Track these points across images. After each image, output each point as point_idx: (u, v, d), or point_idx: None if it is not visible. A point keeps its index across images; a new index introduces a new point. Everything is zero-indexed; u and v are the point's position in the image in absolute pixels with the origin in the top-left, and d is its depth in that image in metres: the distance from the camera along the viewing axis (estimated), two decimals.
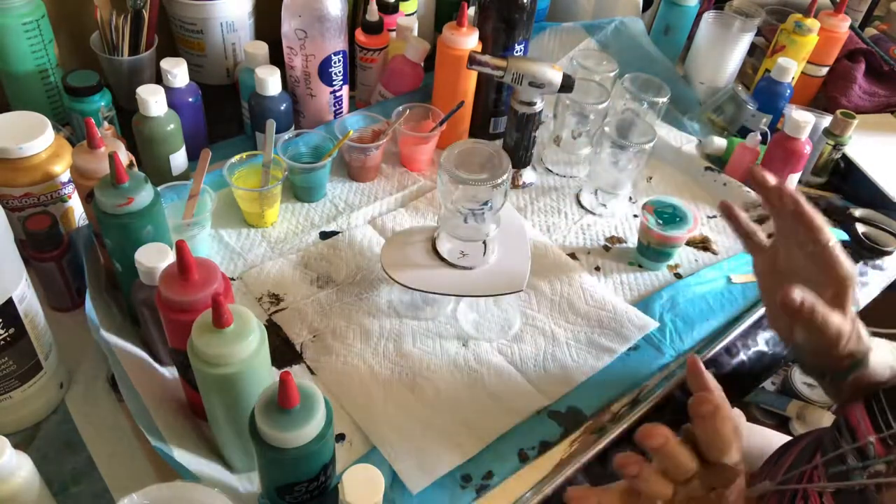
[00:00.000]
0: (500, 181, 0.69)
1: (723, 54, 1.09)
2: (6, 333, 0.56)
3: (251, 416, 0.50)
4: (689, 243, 0.91)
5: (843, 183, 1.06)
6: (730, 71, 1.12)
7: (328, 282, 0.80)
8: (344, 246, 0.84)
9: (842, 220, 0.98)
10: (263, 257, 0.82)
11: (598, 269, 0.86)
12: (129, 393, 0.59)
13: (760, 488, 0.62)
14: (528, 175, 0.97)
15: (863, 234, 0.96)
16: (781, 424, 1.46)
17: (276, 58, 0.91)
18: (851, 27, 1.11)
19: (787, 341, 0.65)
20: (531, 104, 0.88)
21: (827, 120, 1.02)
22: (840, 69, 1.14)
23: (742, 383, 0.78)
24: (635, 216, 0.94)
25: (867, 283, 0.92)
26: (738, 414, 0.93)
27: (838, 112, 0.99)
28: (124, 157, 0.70)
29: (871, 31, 1.30)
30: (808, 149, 0.93)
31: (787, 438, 0.92)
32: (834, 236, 0.60)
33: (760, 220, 0.94)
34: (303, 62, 0.89)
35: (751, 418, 1.47)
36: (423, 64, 1.01)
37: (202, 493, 0.49)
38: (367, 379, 0.70)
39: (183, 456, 0.57)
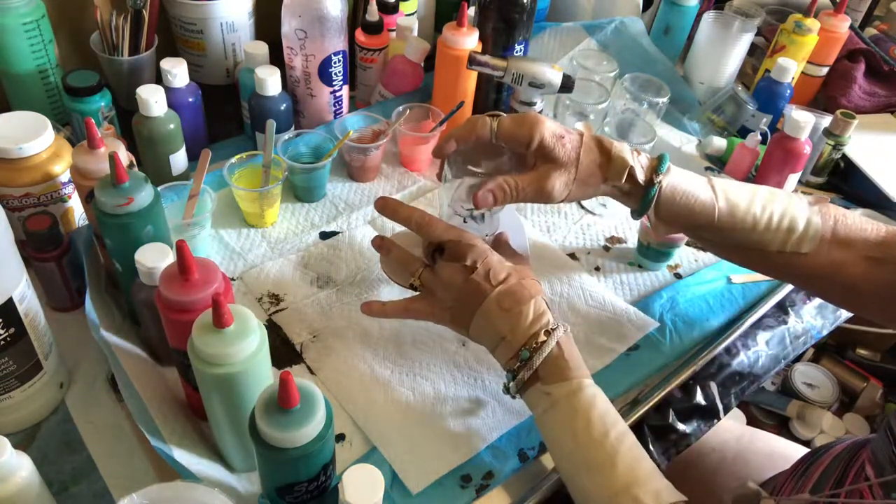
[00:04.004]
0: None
1: (723, 54, 1.09)
2: (6, 333, 0.56)
3: (251, 416, 0.50)
4: (689, 243, 0.91)
5: (843, 183, 1.06)
6: (730, 71, 1.12)
7: (328, 282, 0.80)
8: (344, 246, 0.84)
9: None
10: (263, 257, 0.82)
11: (598, 269, 0.86)
12: (129, 393, 0.59)
13: (798, 500, 0.61)
14: None
15: None
16: (781, 425, 1.46)
17: (276, 58, 0.91)
18: (851, 27, 1.11)
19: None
20: (531, 104, 0.88)
21: (827, 120, 1.02)
22: (840, 69, 1.13)
23: (742, 383, 0.78)
24: None
25: None
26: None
27: (838, 112, 0.99)
28: (124, 157, 0.70)
29: (871, 31, 1.30)
30: (807, 149, 0.93)
31: (790, 444, 0.92)
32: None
33: None
34: (303, 62, 0.89)
35: (751, 418, 1.47)
36: (423, 64, 1.01)
37: (202, 493, 0.49)
38: (367, 379, 0.70)
39: (183, 456, 0.57)
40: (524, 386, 0.61)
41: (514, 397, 0.63)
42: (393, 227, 0.87)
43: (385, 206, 0.69)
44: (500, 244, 0.73)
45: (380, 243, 0.71)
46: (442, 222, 0.68)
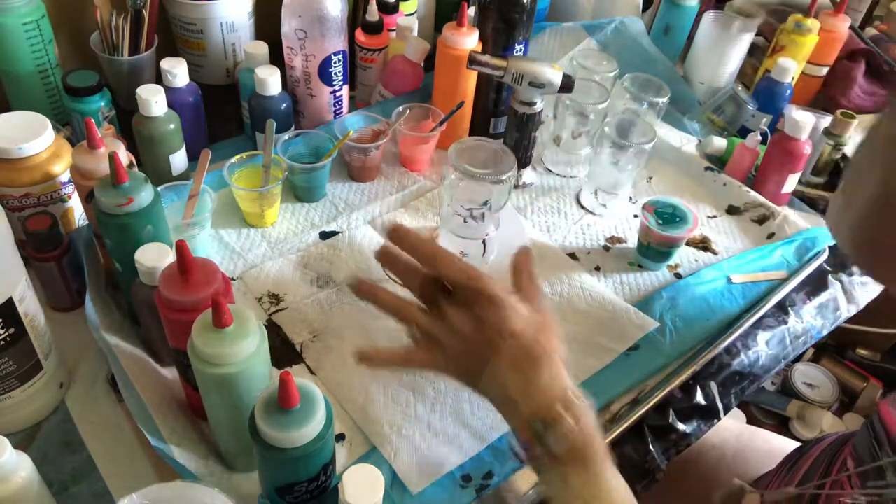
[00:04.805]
0: (505, 177, 0.69)
1: (723, 54, 1.09)
2: (6, 333, 0.56)
3: (251, 416, 0.50)
4: (689, 243, 0.91)
5: None
6: (730, 71, 1.12)
7: (328, 282, 0.80)
8: (344, 246, 0.84)
9: None
10: (263, 257, 0.82)
11: (598, 269, 0.86)
12: (129, 393, 0.59)
13: (783, 493, 0.61)
14: (528, 175, 0.97)
15: None
16: (781, 424, 1.46)
17: (276, 58, 0.91)
18: (851, 27, 1.11)
19: None
20: (531, 104, 0.88)
21: (827, 120, 1.02)
22: (840, 69, 1.14)
23: (742, 383, 0.78)
24: (635, 216, 0.94)
25: (866, 283, 0.92)
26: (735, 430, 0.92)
27: (838, 112, 0.99)
28: (124, 157, 0.70)
29: (871, 31, 1.30)
30: (808, 149, 0.92)
31: (790, 441, 0.92)
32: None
33: (761, 220, 0.94)
34: (303, 62, 0.89)
35: (751, 418, 1.47)
36: (423, 64, 1.01)
37: (202, 493, 0.49)
38: (367, 379, 0.70)
39: (183, 456, 0.57)
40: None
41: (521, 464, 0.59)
42: None
43: (395, 231, 0.62)
44: (520, 276, 0.63)
45: (363, 290, 0.62)
46: (455, 260, 0.60)
